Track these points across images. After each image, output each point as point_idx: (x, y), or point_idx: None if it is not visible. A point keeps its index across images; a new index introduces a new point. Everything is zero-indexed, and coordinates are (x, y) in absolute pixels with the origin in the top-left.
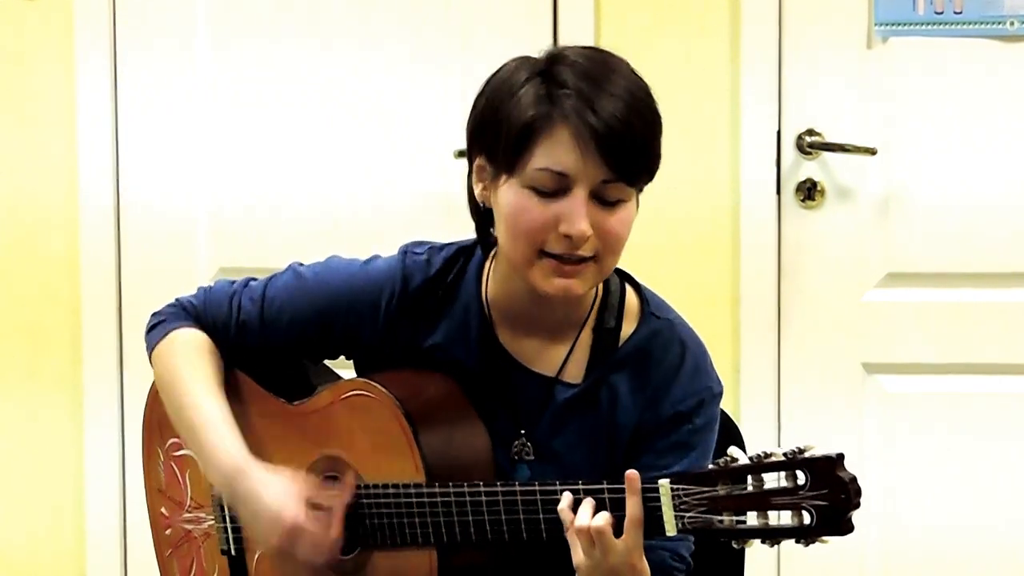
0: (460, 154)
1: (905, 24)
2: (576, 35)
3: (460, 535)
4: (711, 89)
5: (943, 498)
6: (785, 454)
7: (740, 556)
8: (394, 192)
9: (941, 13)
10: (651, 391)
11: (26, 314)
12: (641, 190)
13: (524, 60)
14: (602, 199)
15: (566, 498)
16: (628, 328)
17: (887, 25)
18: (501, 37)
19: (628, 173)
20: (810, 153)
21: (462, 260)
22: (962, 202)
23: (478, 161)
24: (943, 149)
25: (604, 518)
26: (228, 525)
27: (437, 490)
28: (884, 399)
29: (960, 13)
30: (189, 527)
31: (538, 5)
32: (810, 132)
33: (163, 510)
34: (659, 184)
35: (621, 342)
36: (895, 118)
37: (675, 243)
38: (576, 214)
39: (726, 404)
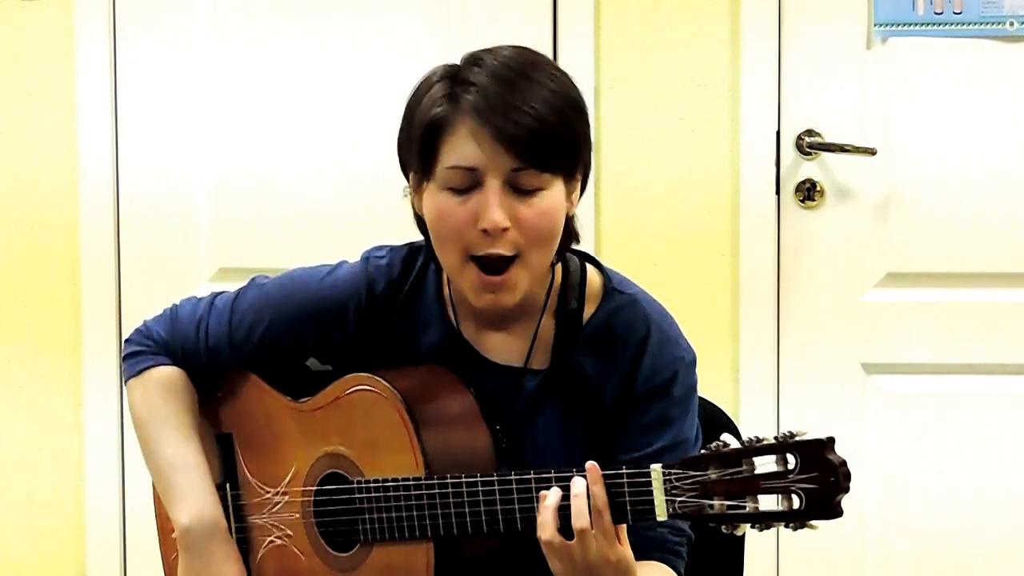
0: None
1: (905, 24)
2: (576, 35)
3: (457, 528)
4: (711, 89)
5: (942, 498)
6: (776, 437)
7: (740, 553)
8: (393, 190)
9: (941, 13)
10: (621, 369)
11: (26, 312)
12: (573, 178)
13: (443, 66)
14: (518, 188)
15: (550, 497)
16: (591, 308)
17: (887, 25)
18: (501, 37)
19: (537, 159)
20: (810, 153)
21: (422, 259)
22: (962, 202)
23: (411, 174)
24: (943, 149)
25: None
26: (232, 525)
27: (435, 482)
28: (883, 399)
29: (960, 13)
30: None
31: (538, 4)
32: (810, 132)
33: None
34: (659, 184)
35: (584, 322)
36: (895, 118)
37: (675, 243)
38: (489, 205)
39: (725, 403)
